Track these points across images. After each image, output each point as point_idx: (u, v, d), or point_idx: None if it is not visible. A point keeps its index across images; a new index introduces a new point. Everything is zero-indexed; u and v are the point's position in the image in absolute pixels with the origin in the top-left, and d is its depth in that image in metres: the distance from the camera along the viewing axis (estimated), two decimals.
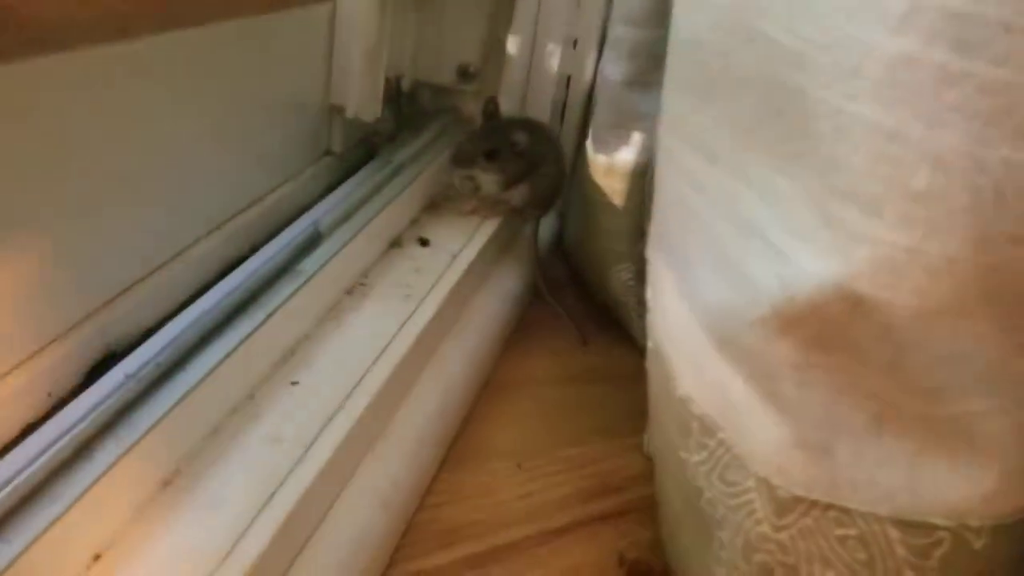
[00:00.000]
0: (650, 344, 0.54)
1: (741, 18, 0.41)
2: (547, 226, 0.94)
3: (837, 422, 0.41)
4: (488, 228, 0.78)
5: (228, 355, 0.50)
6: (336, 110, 0.78)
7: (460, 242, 0.75)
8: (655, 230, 0.54)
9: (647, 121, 0.73)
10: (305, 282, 0.58)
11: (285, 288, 0.57)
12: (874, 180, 0.35)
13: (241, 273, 0.57)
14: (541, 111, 0.89)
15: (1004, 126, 0.32)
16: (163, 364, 0.48)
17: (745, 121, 0.42)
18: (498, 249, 0.82)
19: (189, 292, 0.60)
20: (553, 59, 0.86)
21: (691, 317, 0.46)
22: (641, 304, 0.79)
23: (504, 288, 0.79)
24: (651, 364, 0.55)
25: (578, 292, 0.89)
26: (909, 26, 0.32)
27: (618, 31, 0.71)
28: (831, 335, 0.38)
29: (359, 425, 0.53)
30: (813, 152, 0.38)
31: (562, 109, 0.91)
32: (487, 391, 0.71)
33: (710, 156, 0.45)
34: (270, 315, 0.54)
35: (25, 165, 0.44)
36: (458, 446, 0.65)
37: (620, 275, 0.79)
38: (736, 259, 0.42)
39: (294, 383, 0.55)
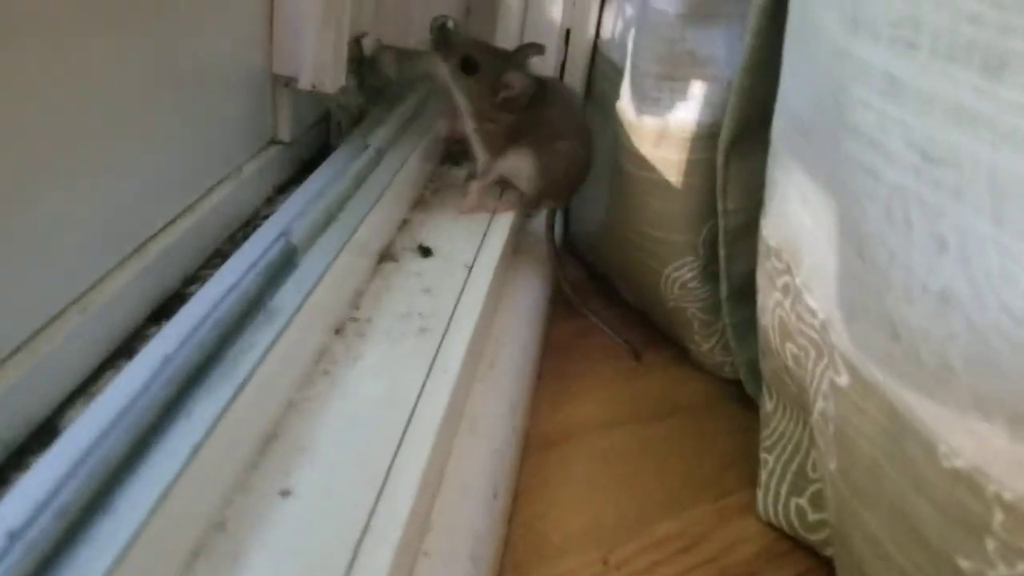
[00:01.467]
0: (842, 379, 0.35)
1: None
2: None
3: None
4: (502, 226, 0.59)
5: (173, 482, 0.29)
6: (282, 82, 0.57)
7: (471, 247, 0.55)
8: (817, 203, 0.35)
9: (713, 67, 0.54)
10: (285, 325, 0.38)
11: (254, 338, 0.37)
12: None
13: (175, 331, 0.36)
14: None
15: None
16: (62, 514, 0.27)
17: None
18: (512, 252, 0.62)
19: (90, 368, 0.39)
20: (553, 5, 0.67)
21: (977, 332, 0.27)
22: (708, 311, 0.60)
23: (528, 304, 0.59)
24: (845, 408, 0.36)
25: (605, 296, 0.71)
26: None
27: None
28: None
29: (397, 553, 0.33)
30: None
31: (560, 70, 0.72)
32: (529, 452, 0.52)
33: (992, 65, 0.26)
34: (240, 387, 0.34)
35: None
36: (514, 543, 0.45)
37: (678, 275, 0.60)
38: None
39: (284, 493, 0.35)
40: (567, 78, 0.72)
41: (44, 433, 0.36)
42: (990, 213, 0.26)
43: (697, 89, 0.55)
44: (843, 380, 0.35)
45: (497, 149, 0.59)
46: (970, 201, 0.27)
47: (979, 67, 0.27)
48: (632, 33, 0.59)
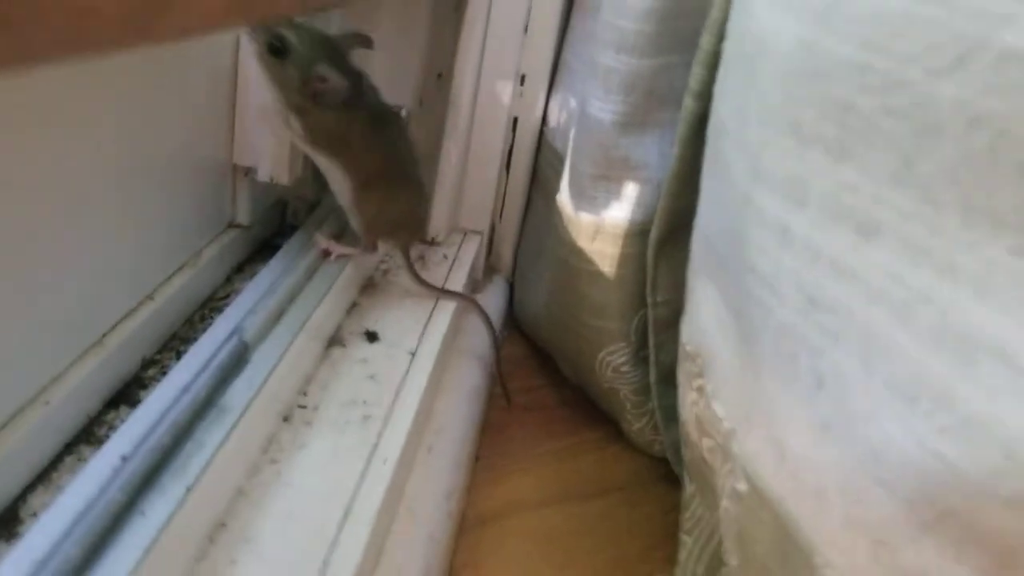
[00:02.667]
0: (742, 486, 0.39)
1: (943, 28, 0.27)
2: (499, 291, 0.79)
3: None
4: (446, 310, 0.62)
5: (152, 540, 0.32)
6: (242, 172, 0.61)
7: (415, 332, 0.59)
8: (725, 324, 0.39)
9: (645, 171, 0.59)
10: (235, 422, 0.41)
11: (204, 437, 0.40)
12: None
13: (130, 432, 0.39)
14: (489, 157, 0.74)
15: None
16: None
17: (943, 184, 0.28)
18: (456, 331, 0.66)
19: (51, 456, 0.42)
20: (502, 97, 0.71)
21: (857, 466, 0.31)
22: (639, 393, 0.64)
23: (468, 387, 0.63)
24: (744, 513, 0.40)
25: (547, 374, 0.74)
26: None
27: (607, 60, 0.56)
28: None
29: None
30: None
31: (508, 156, 0.76)
32: (464, 532, 0.55)
33: (866, 227, 0.31)
34: (189, 488, 0.36)
35: None
36: None
37: (611, 359, 0.64)
38: (956, 394, 0.28)
39: (232, 562, 0.37)
40: (514, 164, 0.76)
41: (6, 521, 0.39)
42: (860, 359, 0.31)
43: (630, 190, 0.59)
44: (742, 487, 0.39)
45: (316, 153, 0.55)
46: (845, 346, 0.31)
47: (855, 230, 0.31)
48: (573, 131, 0.64)
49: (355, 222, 0.58)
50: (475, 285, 0.76)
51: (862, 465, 0.30)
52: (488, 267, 0.81)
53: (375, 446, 0.47)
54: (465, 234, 0.75)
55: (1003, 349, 0.26)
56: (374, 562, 0.44)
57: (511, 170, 0.77)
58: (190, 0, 0.20)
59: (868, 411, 0.30)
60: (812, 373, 0.33)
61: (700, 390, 0.46)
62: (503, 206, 0.79)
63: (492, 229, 0.79)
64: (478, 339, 0.67)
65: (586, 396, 0.71)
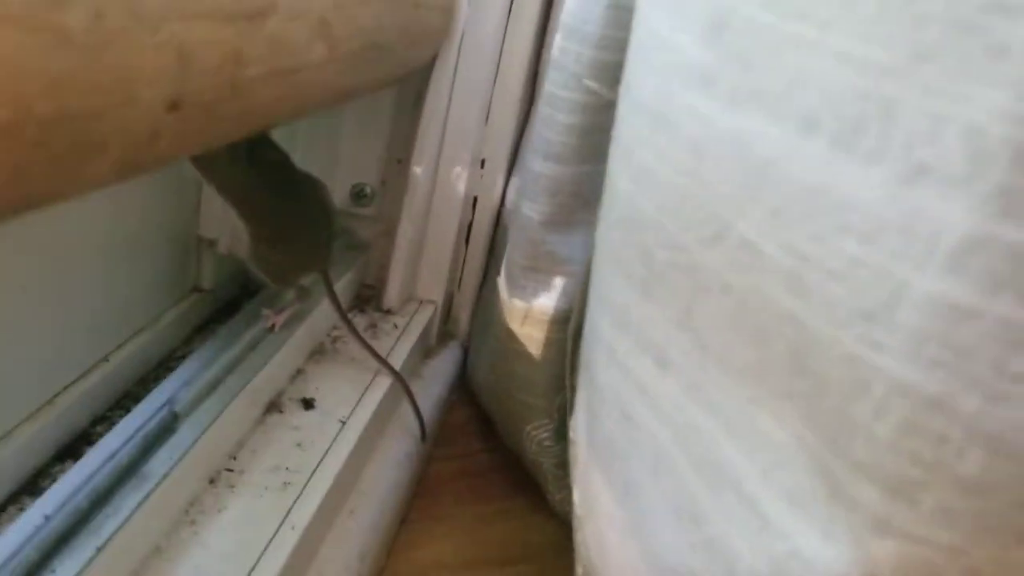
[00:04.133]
0: (579, 571, 0.44)
1: (705, 208, 0.33)
2: (452, 356, 0.84)
3: None
4: (385, 381, 0.67)
5: None
6: (207, 242, 0.67)
7: (351, 401, 0.64)
8: (585, 422, 0.45)
9: (570, 265, 0.64)
10: (154, 487, 0.46)
11: (126, 498, 0.45)
12: (906, 457, 0.26)
13: (68, 483, 0.44)
14: (446, 234, 0.79)
15: None
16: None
17: (709, 332, 0.33)
18: (395, 399, 0.71)
19: (2, 497, 0.48)
20: (460, 180, 0.77)
21: (644, 568, 0.36)
22: (560, 467, 0.69)
23: (401, 452, 0.68)
24: None
25: (490, 437, 0.79)
26: (964, 265, 0.24)
27: (535, 166, 0.62)
28: None
29: None
30: (815, 399, 0.29)
31: (468, 231, 0.82)
32: None
33: (661, 360, 0.36)
34: (102, 544, 0.42)
35: None
36: None
37: (536, 433, 0.69)
38: (704, 514, 0.33)
39: None
40: (473, 238, 0.82)
41: None
42: (650, 473, 0.35)
43: (557, 282, 0.65)
44: (580, 572, 0.43)
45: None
46: (641, 460, 0.36)
47: (654, 359, 0.36)
48: (511, 223, 0.69)
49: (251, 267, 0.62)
50: (427, 351, 0.81)
51: (651, 567, 0.35)
52: (447, 333, 0.86)
53: (288, 511, 0.52)
54: (420, 303, 0.81)
55: (740, 484, 0.31)
56: None
57: (470, 244, 0.83)
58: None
59: (653, 519, 0.35)
60: (621, 478, 0.38)
61: (573, 477, 0.51)
62: (462, 276, 0.84)
63: (450, 298, 0.84)
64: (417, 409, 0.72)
65: (519, 463, 0.75)
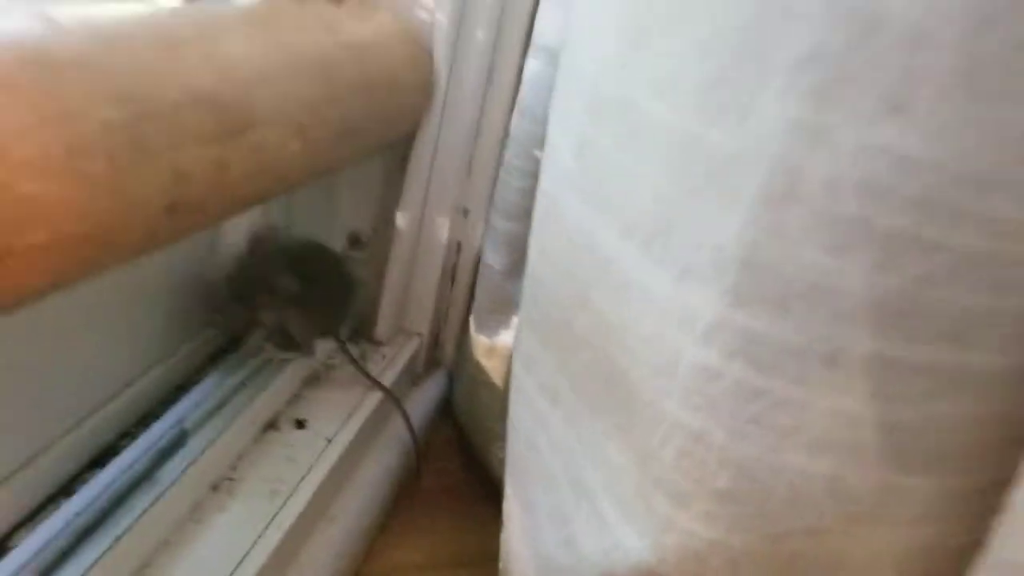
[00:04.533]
0: (500, 567, 0.54)
1: (576, 282, 0.43)
2: (437, 382, 0.94)
3: None
4: (370, 403, 0.78)
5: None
6: (217, 284, 0.78)
7: (338, 422, 0.75)
8: (509, 458, 0.55)
9: None
10: (164, 491, 0.57)
11: (142, 499, 0.56)
12: (682, 475, 0.36)
13: (95, 486, 0.56)
14: (431, 274, 0.90)
15: (798, 438, 0.34)
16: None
17: (580, 378, 0.43)
18: (379, 420, 0.81)
19: (39, 503, 0.59)
20: (443, 228, 0.88)
21: (531, 562, 0.46)
22: None
23: (381, 467, 0.78)
24: None
25: (467, 454, 0.89)
26: (712, 340, 0.34)
27: (496, 223, 0.73)
28: None
29: None
30: (635, 432, 0.39)
31: (453, 272, 0.93)
32: None
33: (553, 398, 0.46)
34: (120, 535, 0.53)
35: None
36: None
37: (498, 453, 0.79)
38: (569, 517, 0.43)
39: None
40: (458, 278, 0.93)
41: (7, 541, 0.55)
42: (542, 491, 0.46)
43: (515, 321, 0.75)
44: None
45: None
46: (537, 480, 0.46)
47: (550, 399, 0.46)
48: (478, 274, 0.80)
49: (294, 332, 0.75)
50: (415, 378, 0.92)
51: (534, 561, 0.45)
52: (435, 360, 0.97)
53: (275, 515, 0.62)
54: (408, 336, 0.91)
55: (593, 495, 0.41)
56: None
57: (456, 283, 0.93)
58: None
59: (541, 525, 0.45)
60: (525, 494, 0.48)
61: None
62: (448, 311, 0.95)
63: (437, 331, 0.95)
64: (403, 425, 0.83)
65: (489, 478, 0.86)
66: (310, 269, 0.74)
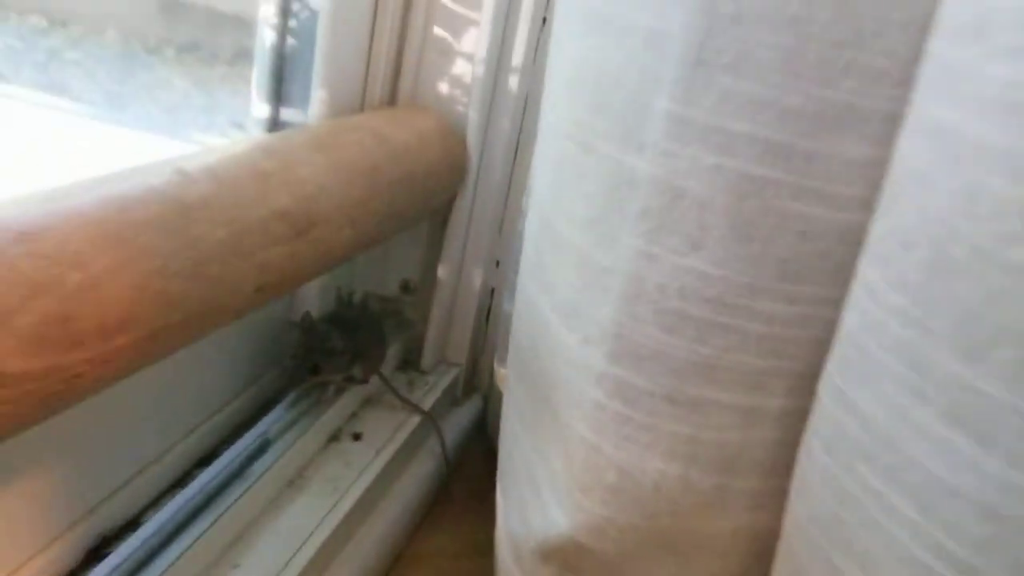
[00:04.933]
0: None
1: (531, 338, 0.61)
2: (474, 405, 1.13)
3: None
4: (412, 422, 0.97)
5: (189, 547, 0.69)
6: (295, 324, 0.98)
7: (386, 437, 0.94)
8: (499, 464, 0.73)
9: None
10: (251, 485, 0.77)
11: (235, 491, 0.76)
12: (587, 474, 0.54)
13: (202, 480, 0.76)
14: (467, 317, 1.09)
15: (656, 450, 0.51)
16: (142, 554, 0.66)
17: (534, 405, 0.62)
18: (419, 436, 1.00)
19: (165, 487, 0.79)
20: (478, 276, 1.07)
21: (505, 540, 0.64)
22: None
23: (420, 473, 0.97)
24: None
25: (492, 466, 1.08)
26: (600, 385, 0.52)
27: (512, 278, 0.91)
28: (573, 564, 0.57)
29: None
30: (561, 445, 0.57)
31: (487, 314, 1.12)
32: (400, 563, 0.89)
33: (521, 419, 0.64)
34: (219, 517, 0.73)
35: None
36: None
37: None
38: (525, 504, 0.61)
39: (235, 566, 0.73)
40: (492, 322, 1.11)
41: (128, 527, 0.76)
42: (514, 482, 0.64)
43: None
44: None
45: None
46: (511, 473, 0.65)
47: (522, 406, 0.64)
48: None
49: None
50: (454, 400, 1.11)
51: (505, 538, 0.63)
52: (474, 387, 1.16)
53: (333, 507, 0.82)
54: (449, 365, 1.11)
55: (540, 484, 0.59)
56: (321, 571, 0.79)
57: (490, 321, 1.12)
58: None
59: (512, 514, 0.63)
60: (506, 491, 0.66)
61: None
62: (484, 345, 1.14)
63: (475, 362, 1.14)
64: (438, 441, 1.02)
65: None
66: (354, 326, 0.93)
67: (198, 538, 0.70)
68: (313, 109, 0.86)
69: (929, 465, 0.36)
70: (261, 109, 0.89)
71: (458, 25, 0.94)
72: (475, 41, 0.93)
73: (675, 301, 0.47)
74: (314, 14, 0.85)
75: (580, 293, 0.53)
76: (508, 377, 0.70)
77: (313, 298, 0.93)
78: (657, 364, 0.49)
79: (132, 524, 0.75)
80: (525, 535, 0.59)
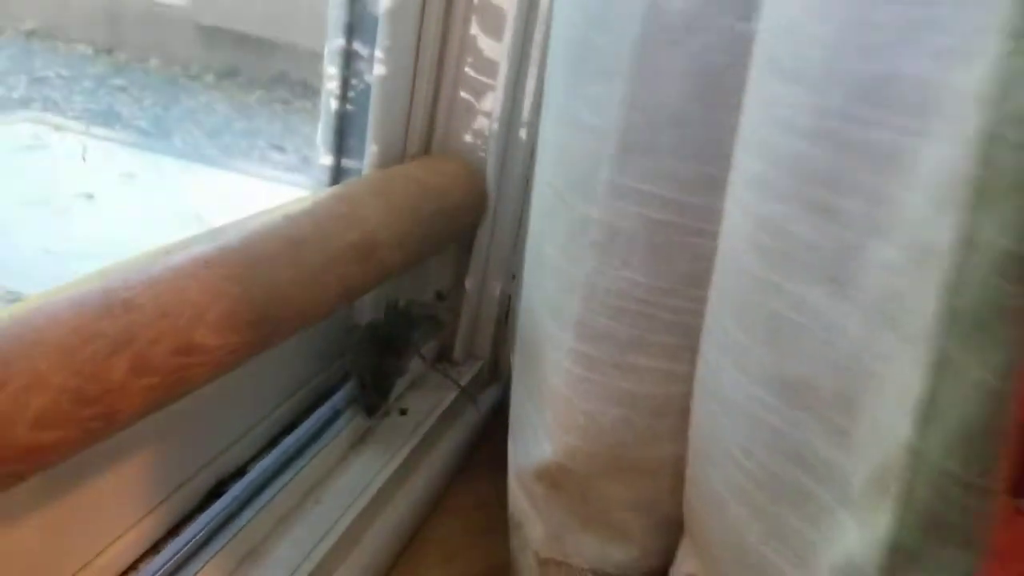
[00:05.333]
0: None
1: (529, 326, 0.87)
2: (495, 391, 1.39)
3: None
4: (448, 398, 1.23)
5: (283, 487, 0.95)
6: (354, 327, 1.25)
7: (428, 410, 1.20)
8: (511, 421, 0.99)
9: None
10: (326, 444, 1.03)
11: (313, 450, 1.02)
12: (564, 416, 0.79)
13: (290, 439, 1.03)
14: (489, 319, 1.35)
15: (607, 400, 0.77)
16: (249, 493, 0.93)
17: (530, 371, 0.87)
18: (454, 411, 1.26)
19: (263, 444, 1.06)
20: (497, 287, 1.33)
21: (512, 470, 0.90)
22: None
23: (455, 441, 1.23)
24: None
25: None
26: (570, 356, 0.78)
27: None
28: (556, 480, 0.82)
29: (350, 527, 0.97)
30: (546, 396, 0.82)
31: (506, 317, 1.38)
32: (435, 513, 1.15)
33: (522, 382, 0.90)
34: (301, 468, 0.99)
35: None
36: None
37: None
38: (527, 441, 0.86)
39: (317, 502, 1.00)
40: (510, 323, 1.37)
41: (246, 467, 1.02)
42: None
43: None
44: None
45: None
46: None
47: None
48: None
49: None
50: (480, 386, 1.37)
51: (514, 468, 0.89)
52: (495, 376, 1.42)
53: (385, 465, 1.08)
54: (477, 359, 1.37)
55: (537, 430, 0.85)
56: (376, 514, 1.05)
57: (508, 323, 1.38)
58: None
59: (517, 449, 0.89)
60: (514, 437, 0.92)
61: None
62: (504, 341, 1.40)
63: (496, 355, 1.40)
64: (473, 414, 1.28)
65: None
66: (395, 333, 1.19)
67: (288, 483, 0.97)
68: (367, 160, 1.12)
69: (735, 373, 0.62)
70: (326, 159, 1.16)
71: (479, 89, 1.20)
72: (492, 102, 1.19)
73: (616, 300, 0.73)
74: (368, 87, 1.12)
75: (558, 295, 0.78)
76: (515, 357, 0.95)
77: (369, 305, 1.20)
78: (606, 341, 0.74)
79: (241, 471, 1.01)
80: (526, 464, 0.85)
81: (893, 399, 0.47)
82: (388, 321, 1.18)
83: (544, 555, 0.84)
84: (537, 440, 0.83)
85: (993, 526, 0.40)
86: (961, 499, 0.41)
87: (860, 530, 0.49)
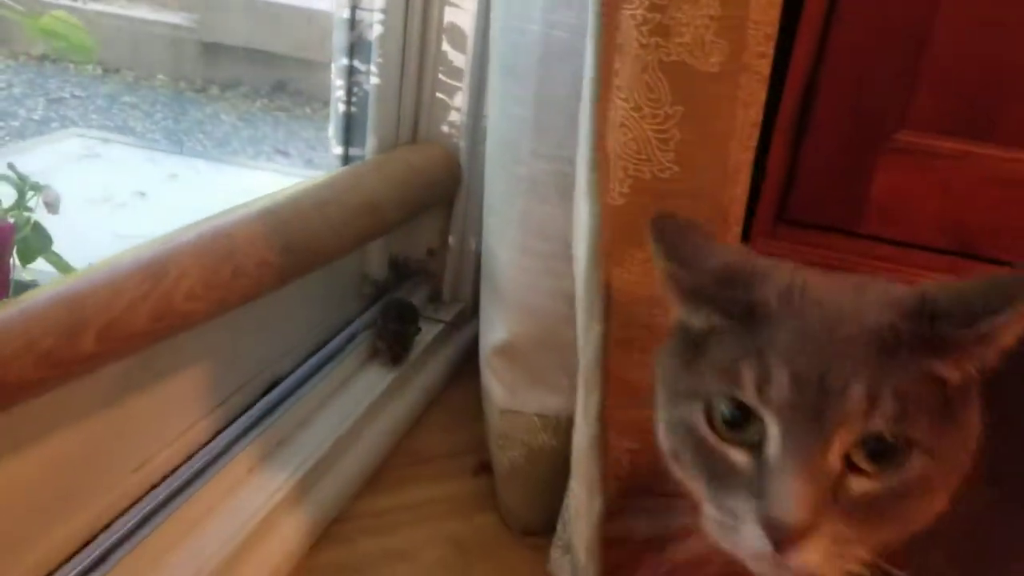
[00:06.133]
0: None
1: (487, 256, 1.25)
2: (474, 326, 1.77)
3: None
4: (434, 330, 1.61)
5: (319, 383, 1.33)
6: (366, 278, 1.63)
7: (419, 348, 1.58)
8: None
9: None
10: (344, 358, 1.41)
11: (334, 372, 1.40)
12: (512, 310, 1.17)
13: (326, 350, 1.41)
14: (469, 268, 1.73)
15: (555, 296, 1.15)
16: (296, 386, 1.31)
17: (488, 291, 1.25)
18: (438, 344, 1.64)
19: (304, 355, 1.43)
20: (474, 242, 1.70)
21: (481, 355, 1.28)
22: None
23: (438, 371, 1.61)
24: None
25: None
26: (514, 270, 1.16)
27: None
28: (509, 354, 1.20)
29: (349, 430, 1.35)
30: (506, 305, 1.20)
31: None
32: (424, 420, 1.53)
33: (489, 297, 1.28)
34: (330, 393, 1.37)
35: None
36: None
37: None
38: (487, 330, 1.25)
39: (333, 406, 1.38)
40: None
41: (294, 370, 1.39)
42: None
43: None
44: None
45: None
46: None
47: None
48: None
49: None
50: (463, 321, 1.75)
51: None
52: (475, 312, 1.80)
53: (388, 383, 1.46)
54: (459, 300, 1.74)
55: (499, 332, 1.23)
56: (367, 426, 1.43)
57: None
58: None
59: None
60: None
61: None
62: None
63: (476, 296, 1.77)
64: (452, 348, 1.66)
65: None
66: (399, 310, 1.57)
67: (318, 383, 1.35)
68: (368, 148, 1.50)
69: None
70: (337, 149, 1.54)
71: (451, 91, 1.58)
72: (461, 100, 1.57)
73: (538, 226, 1.11)
74: (366, 93, 1.49)
75: (502, 227, 1.17)
76: (481, 281, 1.34)
77: (376, 255, 1.58)
78: (536, 255, 1.12)
79: (290, 373, 1.39)
80: (489, 345, 1.23)
81: None
82: (401, 302, 1.56)
83: (503, 407, 1.22)
84: (495, 328, 1.22)
85: None
86: None
87: None
